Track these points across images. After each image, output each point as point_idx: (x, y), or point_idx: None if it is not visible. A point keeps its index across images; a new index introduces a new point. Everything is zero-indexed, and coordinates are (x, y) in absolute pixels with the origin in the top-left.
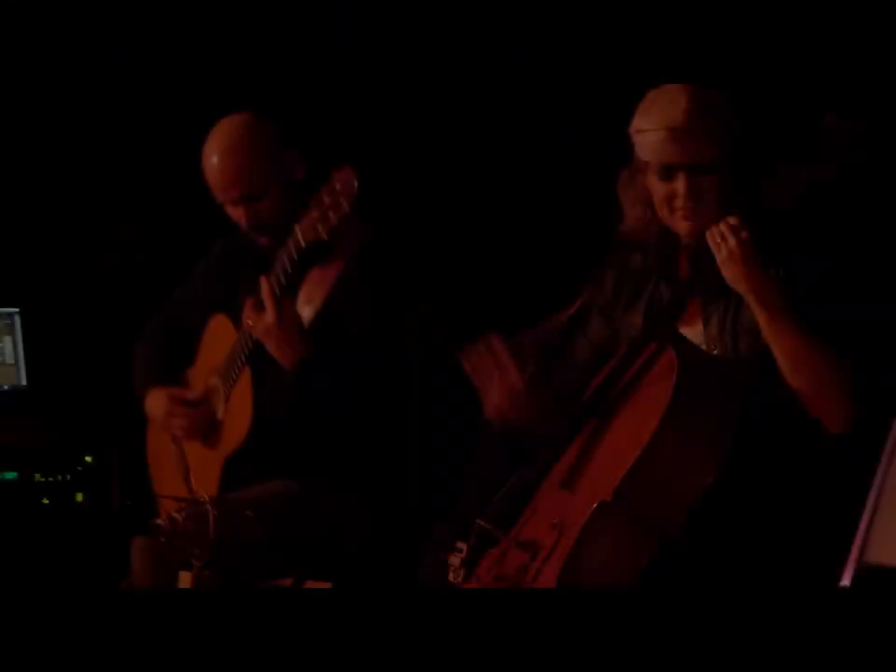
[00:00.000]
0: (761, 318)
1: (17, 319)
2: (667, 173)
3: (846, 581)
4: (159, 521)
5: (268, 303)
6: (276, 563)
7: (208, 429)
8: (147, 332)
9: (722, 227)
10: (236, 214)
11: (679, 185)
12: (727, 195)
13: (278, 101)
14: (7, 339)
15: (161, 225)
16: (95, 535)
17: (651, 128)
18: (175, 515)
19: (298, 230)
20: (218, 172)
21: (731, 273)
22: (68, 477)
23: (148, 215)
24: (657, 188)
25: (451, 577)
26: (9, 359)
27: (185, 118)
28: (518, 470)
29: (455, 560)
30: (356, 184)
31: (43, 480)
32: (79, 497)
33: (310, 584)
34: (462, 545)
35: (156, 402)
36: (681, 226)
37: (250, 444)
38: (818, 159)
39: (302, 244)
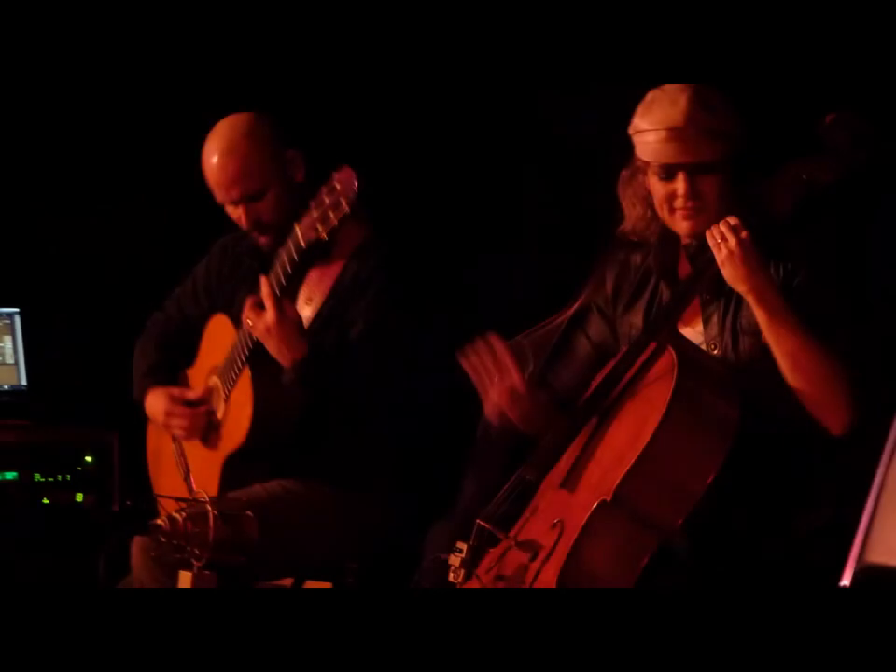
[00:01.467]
0: (761, 318)
1: (17, 319)
2: (667, 173)
3: (846, 581)
4: (159, 521)
5: (268, 303)
6: (276, 563)
7: (208, 429)
8: (147, 332)
9: (722, 227)
10: (236, 214)
11: (679, 185)
12: (727, 195)
13: (278, 101)
14: (7, 339)
15: (161, 225)
16: (95, 535)
17: (651, 128)
18: (175, 515)
19: (298, 230)
20: (219, 172)
21: (731, 273)
22: (68, 477)
23: (148, 214)
24: (657, 188)
25: (451, 577)
26: (9, 359)
27: (185, 118)
28: (518, 470)
29: (455, 560)
30: (356, 184)
31: (43, 480)
32: (79, 497)
33: (310, 584)
34: (462, 545)
35: (156, 402)
36: (681, 226)
37: (250, 444)
38: (817, 159)
39: (302, 244)
